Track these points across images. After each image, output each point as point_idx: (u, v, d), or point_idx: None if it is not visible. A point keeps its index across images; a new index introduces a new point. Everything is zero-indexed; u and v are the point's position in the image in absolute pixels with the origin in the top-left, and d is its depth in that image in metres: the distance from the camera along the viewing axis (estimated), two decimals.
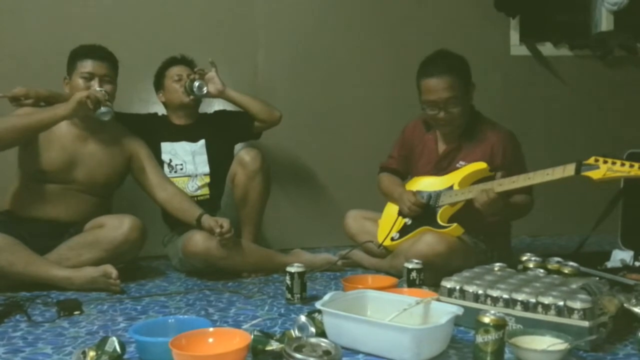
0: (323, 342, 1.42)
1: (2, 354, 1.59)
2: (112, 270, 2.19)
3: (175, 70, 2.71)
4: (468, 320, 1.56)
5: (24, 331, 1.77)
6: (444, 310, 1.55)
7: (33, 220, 2.37)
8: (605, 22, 3.49)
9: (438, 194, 2.33)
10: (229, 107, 2.98)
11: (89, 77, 2.37)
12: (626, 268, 2.18)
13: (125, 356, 1.48)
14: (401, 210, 2.39)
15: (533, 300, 1.60)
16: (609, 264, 2.28)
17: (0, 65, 2.75)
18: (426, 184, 2.40)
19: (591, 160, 1.96)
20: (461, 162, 2.34)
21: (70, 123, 2.42)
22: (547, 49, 3.40)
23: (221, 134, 2.73)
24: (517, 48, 3.35)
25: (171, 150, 2.70)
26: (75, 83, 2.38)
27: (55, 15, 2.82)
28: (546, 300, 1.57)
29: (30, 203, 2.39)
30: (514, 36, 3.35)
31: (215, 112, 2.91)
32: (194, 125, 2.76)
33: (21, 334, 1.74)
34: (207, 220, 2.39)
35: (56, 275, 2.21)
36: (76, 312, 1.93)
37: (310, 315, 1.63)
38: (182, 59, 2.75)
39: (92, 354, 1.41)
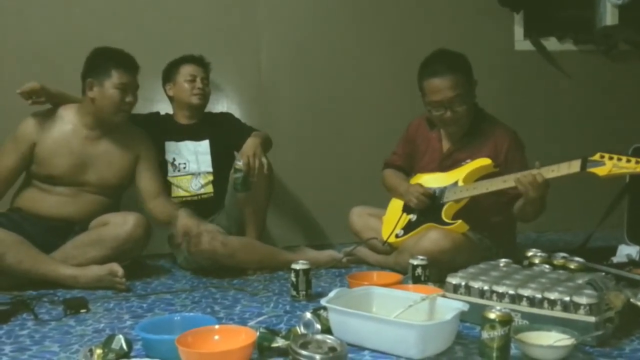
0: (329, 339, 1.42)
1: (9, 352, 1.59)
2: (118, 269, 2.20)
3: (189, 69, 2.70)
4: (474, 316, 1.56)
5: (30, 329, 1.78)
6: (449, 307, 1.55)
7: (41, 218, 2.37)
8: (609, 17, 3.46)
9: (443, 190, 2.33)
10: (234, 107, 3.00)
11: (123, 88, 2.35)
12: (632, 263, 2.18)
13: (132, 354, 1.48)
14: (408, 203, 2.38)
15: (539, 295, 1.59)
16: (615, 259, 2.27)
17: (4, 65, 2.75)
18: (430, 180, 2.40)
19: (596, 157, 1.95)
20: (466, 161, 2.33)
21: (79, 124, 2.40)
22: (551, 43, 3.38)
23: (224, 136, 2.72)
24: (521, 43, 3.34)
25: (175, 150, 2.70)
26: (109, 93, 2.35)
27: (59, 15, 2.82)
28: (552, 295, 1.57)
29: (41, 204, 2.38)
30: (518, 31, 3.34)
31: (222, 113, 2.90)
32: (199, 125, 2.75)
33: (28, 333, 1.75)
34: (182, 219, 2.35)
35: (62, 273, 2.21)
36: (83, 310, 1.94)
37: (315, 312, 1.63)
38: (199, 58, 2.73)
39: (98, 351, 1.41)
